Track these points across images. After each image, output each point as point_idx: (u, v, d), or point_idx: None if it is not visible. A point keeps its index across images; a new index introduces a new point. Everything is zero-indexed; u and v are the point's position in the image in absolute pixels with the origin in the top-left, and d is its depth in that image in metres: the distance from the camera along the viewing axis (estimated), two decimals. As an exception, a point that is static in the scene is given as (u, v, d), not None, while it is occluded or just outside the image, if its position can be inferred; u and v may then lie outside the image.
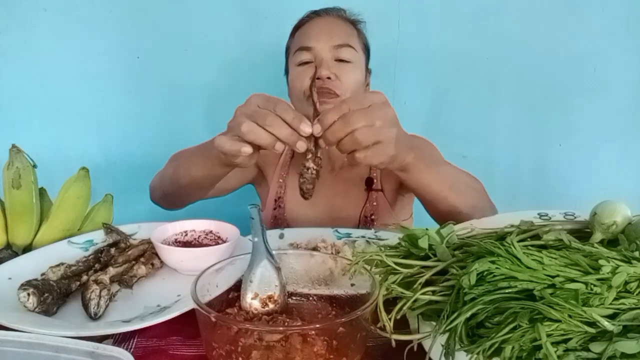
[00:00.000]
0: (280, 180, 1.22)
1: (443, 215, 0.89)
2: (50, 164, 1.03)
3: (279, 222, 1.20)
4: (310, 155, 0.70)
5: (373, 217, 1.14)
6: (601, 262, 0.49)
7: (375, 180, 1.16)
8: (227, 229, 0.85)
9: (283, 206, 1.21)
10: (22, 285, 0.64)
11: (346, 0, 1.14)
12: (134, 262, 0.77)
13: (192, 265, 0.75)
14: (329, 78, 1.02)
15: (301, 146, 0.68)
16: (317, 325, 0.55)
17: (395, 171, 0.82)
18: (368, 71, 1.17)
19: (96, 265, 0.75)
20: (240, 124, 0.68)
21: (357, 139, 0.66)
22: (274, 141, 0.68)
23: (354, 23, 1.14)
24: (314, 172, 0.71)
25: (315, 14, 1.13)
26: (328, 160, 1.19)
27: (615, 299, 0.47)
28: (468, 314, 0.49)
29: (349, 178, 1.18)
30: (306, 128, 0.67)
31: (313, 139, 0.69)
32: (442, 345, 0.49)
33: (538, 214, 0.78)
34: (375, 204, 1.15)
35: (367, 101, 0.68)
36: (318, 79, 1.02)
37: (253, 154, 0.71)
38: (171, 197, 1.06)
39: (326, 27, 1.09)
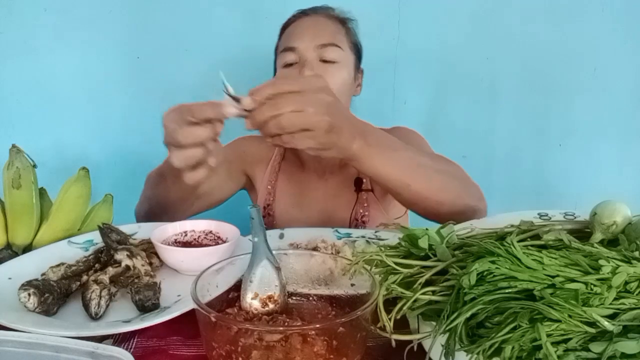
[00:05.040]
0: (269, 187, 1.19)
1: (411, 204, 0.86)
2: (50, 164, 1.03)
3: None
4: None
5: (364, 218, 1.12)
6: (601, 262, 0.49)
7: (364, 180, 1.13)
8: (227, 229, 0.84)
9: (272, 213, 1.18)
10: (23, 285, 0.64)
11: (346, 1, 1.13)
12: (134, 262, 0.77)
13: (192, 265, 0.75)
14: None
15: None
16: (317, 325, 0.55)
17: (346, 160, 0.78)
18: (360, 71, 1.13)
19: (96, 265, 0.75)
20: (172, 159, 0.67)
21: (281, 124, 0.63)
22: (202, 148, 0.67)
23: (343, 21, 1.10)
24: None
25: (302, 14, 1.10)
26: (318, 165, 1.17)
27: (615, 299, 0.47)
28: (468, 314, 0.48)
29: (338, 181, 1.15)
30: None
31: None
32: (442, 345, 0.49)
33: (538, 214, 0.78)
34: (366, 204, 1.12)
35: (302, 85, 0.65)
36: None
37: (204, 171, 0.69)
38: (157, 217, 1.02)
39: (311, 27, 1.06)
